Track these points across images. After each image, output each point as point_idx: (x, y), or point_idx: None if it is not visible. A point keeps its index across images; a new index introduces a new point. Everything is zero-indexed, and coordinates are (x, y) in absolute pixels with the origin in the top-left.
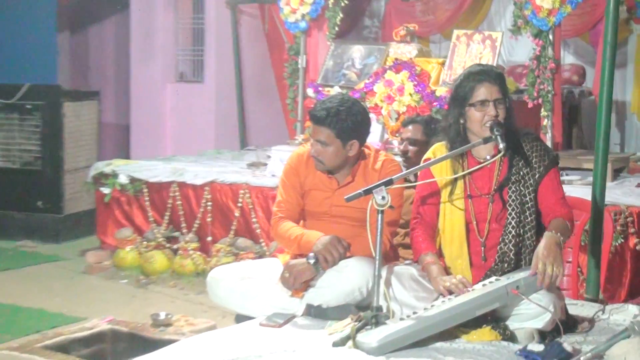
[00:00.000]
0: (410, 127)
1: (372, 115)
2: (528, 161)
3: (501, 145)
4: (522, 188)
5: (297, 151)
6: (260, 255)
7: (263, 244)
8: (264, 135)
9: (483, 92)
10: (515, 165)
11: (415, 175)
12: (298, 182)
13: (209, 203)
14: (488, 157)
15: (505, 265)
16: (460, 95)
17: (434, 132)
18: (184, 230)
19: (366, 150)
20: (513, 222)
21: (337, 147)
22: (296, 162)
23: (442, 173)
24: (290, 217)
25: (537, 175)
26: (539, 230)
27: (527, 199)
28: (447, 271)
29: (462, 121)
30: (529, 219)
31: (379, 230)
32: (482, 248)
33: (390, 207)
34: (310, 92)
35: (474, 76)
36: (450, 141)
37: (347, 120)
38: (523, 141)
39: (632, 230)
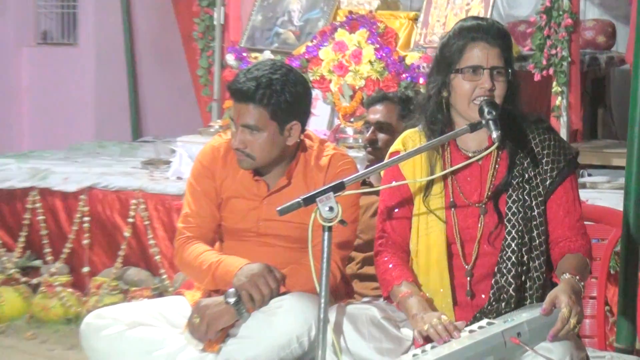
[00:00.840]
0: (379, 105)
1: (316, 92)
2: (536, 160)
3: (494, 135)
4: (526, 197)
5: (211, 143)
6: (160, 293)
7: (164, 277)
8: (166, 122)
9: (476, 54)
10: (518, 165)
11: (379, 177)
12: (213, 188)
13: (86, 218)
14: (479, 151)
15: (503, 304)
16: (446, 58)
17: (410, 117)
18: (49, 258)
19: (307, 142)
20: (514, 244)
21: (272, 133)
22: (210, 159)
23: (415, 172)
24: (202, 237)
25: (547, 182)
26: (549, 258)
27: (535, 212)
28: (432, 304)
29: (444, 94)
30: (537, 241)
31: (324, 254)
32: (468, 279)
33: (342, 222)
34: (230, 59)
35: (466, 32)
36: (427, 125)
37: (284, 92)
38: (531, 131)
39: None
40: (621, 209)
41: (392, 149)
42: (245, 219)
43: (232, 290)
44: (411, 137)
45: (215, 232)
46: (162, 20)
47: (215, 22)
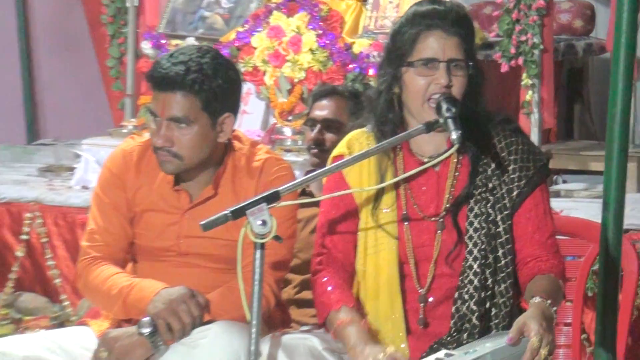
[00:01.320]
0: (327, 100)
1: (249, 86)
2: (502, 167)
3: (454, 135)
4: (490, 210)
5: (122, 147)
6: (61, 322)
7: (66, 304)
8: (69, 121)
9: (431, 45)
10: (481, 173)
11: (322, 185)
12: (124, 200)
13: None
14: (435, 156)
15: (465, 335)
16: (397, 48)
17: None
18: None
19: (237, 144)
20: (475, 266)
21: (203, 127)
22: (121, 165)
23: (362, 180)
24: (111, 257)
25: (514, 193)
26: (517, 281)
27: (500, 228)
28: (375, 335)
29: (395, 90)
30: (503, 261)
31: (256, 276)
32: (422, 305)
33: (276, 238)
34: (146, 47)
35: (420, 18)
36: (377, 126)
37: (216, 78)
38: (496, 134)
39: None
40: (599, 221)
41: (334, 152)
42: (163, 236)
43: (146, 319)
44: (357, 139)
45: (126, 252)
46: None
47: (128, 4)
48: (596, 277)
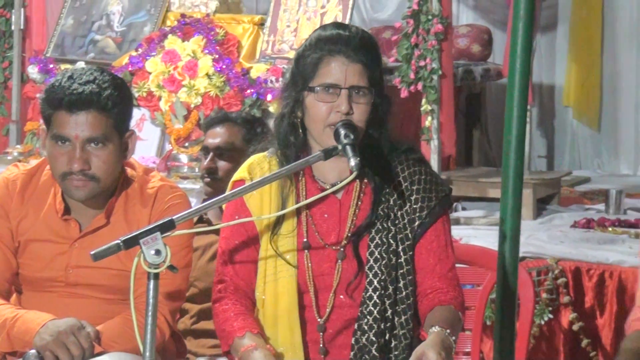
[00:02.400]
0: (219, 128)
1: (143, 112)
2: (404, 197)
3: (352, 162)
4: (391, 240)
5: (4, 175)
6: None
7: None
8: None
9: (333, 71)
10: (383, 202)
11: (219, 213)
12: (7, 230)
13: None
14: (338, 183)
15: None
16: (300, 72)
17: (261, 141)
18: None
19: (129, 171)
20: (375, 296)
21: (116, 146)
22: (3, 194)
23: (264, 206)
24: None
25: (416, 223)
26: (417, 312)
27: (401, 259)
28: None
29: (298, 114)
30: (404, 292)
31: (150, 307)
32: (321, 335)
33: (171, 267)
34: (33, 71)
35: (323, 43)
36: (281, 150)
37: (121, 95)
38: (400, 163)
39: (565, 299)
40: (497, 248)
41: (235, 177)
42: (50, 266)
43: (32, 351)
44: (259, 164)
45: (10, 283)
46: None
47: (13, 27)
48: (494, 305)
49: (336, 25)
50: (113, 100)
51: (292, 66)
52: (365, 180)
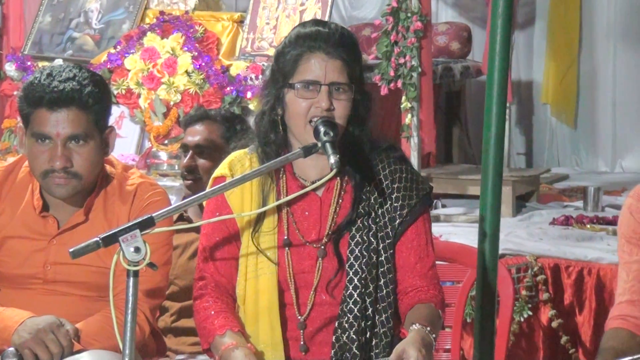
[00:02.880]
0: (198, 126)
1: (122, 109)
2: (384, 195)
3: (332, 159)
4: (372, 238)
5: None
6: None
7: None
8: None
9: (313, 67)
10: (364, 200)
11: (199, 211)
12: None
13: None
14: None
15: None
16: (280, 69)
17: (241, 138)
18: None
19: (108, 168)
20: (356, 294)
21: (97, 143)
22: None
23: (244, 203)
24: None
25: (397, 222)
26: (397, 310)
27: (382, 257)
28: (261, 358)
29: (279, 111)
30: (384, 291)
31: (129, 304)
32: (301, 332)
33: (151, 265)
34: (10, 69)
35: (302, 40)
36: (261, 147)
37: (102, 92)
38: (381, 161)
39: (544, 296)
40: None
41: (216, 173)
42: (28, 263)
43: (10, 349)
44: (240, 161)
45: None
46: None
47: None
48: (474, 302)
49: (316, 22)
50: (94, 97)
51: (272, 63)
52: (346, 178)
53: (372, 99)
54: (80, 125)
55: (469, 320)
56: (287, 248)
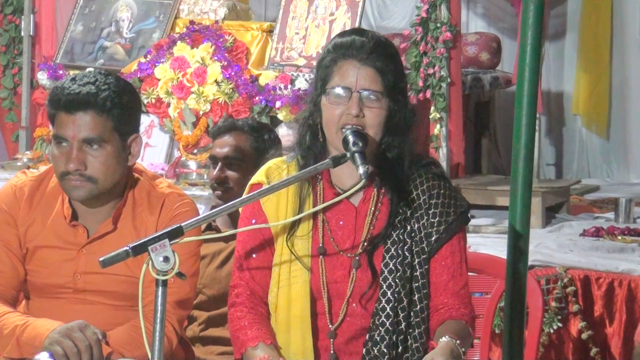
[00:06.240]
0: (227, 137)
1: (152, 119)
2: (421, 211)
3: (360, 170)
4: (406, 253)
5: (12, 182)
6: None
7: None
8: None
9: (345, 74)
10: (400, 214)
11: (228, 221)
12: (15, 237)
13: None
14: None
15: None
16: (319, 77)
17: (270, 147)
18: None
19: (137, 177)
20: (389, 308)
21: (115, 148)
22: (11, 201)
23: (280, 210)
24: (1, 296)
25: (433, 238)
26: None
27: (416, 272)
28: None
29: (317, 118)
30: (418, 306)
31: (158, 314)
32: (331, 341)
33: (180, 275)
34: (42, 77)
35: (338, 47)
36: (300, 155)
37: (124, 97)
38: (419, 175)
39: (574, 307)
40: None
41: (253, 180)
42: (58, 273)
43: (43, 353)
44: (277, 168)
45: (18, 290)
46: None
47: (22, 33)
48: (503, 313)
49: (354, 30)
50: (112, 101)
51: (315, 71)
52: (383, 190)
53: (414, 111)
54: (96, 128)
55: (497, 331)
56: (321, 256)
